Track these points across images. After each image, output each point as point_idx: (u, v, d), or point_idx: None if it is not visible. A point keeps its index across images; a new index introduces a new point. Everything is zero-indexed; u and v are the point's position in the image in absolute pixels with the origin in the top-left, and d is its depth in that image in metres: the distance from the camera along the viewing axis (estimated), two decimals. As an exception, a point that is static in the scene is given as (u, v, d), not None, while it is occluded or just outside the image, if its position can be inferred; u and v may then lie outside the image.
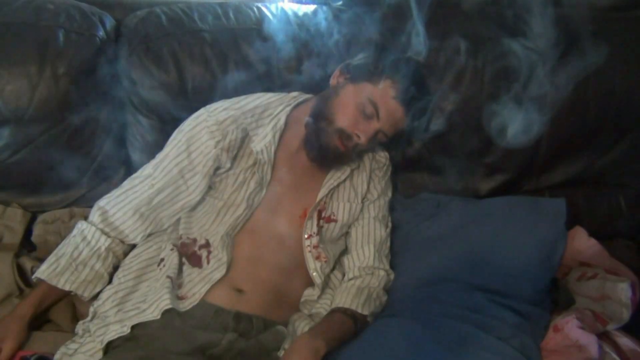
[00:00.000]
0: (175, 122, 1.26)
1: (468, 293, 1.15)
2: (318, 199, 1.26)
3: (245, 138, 1.23)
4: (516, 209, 1.34)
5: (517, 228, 1.28)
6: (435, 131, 1.36)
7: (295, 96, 1.31)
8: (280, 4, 1.45)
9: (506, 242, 1.25)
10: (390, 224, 1.35)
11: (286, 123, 1.26)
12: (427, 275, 1.23)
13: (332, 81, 1.27)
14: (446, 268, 1.23)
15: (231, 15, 1.37)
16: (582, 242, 1.41)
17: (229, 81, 1.31)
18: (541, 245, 1.26)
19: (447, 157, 1.42)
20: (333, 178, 1.28)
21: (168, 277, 1.15)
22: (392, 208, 1.39)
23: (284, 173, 1.26)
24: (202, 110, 1.25)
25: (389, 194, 1.38)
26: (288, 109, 1.27)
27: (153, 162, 1.24)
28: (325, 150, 1.22)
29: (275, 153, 1.23)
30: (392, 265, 1.31)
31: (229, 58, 1.33)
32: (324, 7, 1.40)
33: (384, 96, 1.19)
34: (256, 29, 1.35)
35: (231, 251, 1.18)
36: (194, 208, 1.25)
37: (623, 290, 1.27)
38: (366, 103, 1.19)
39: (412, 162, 1.44)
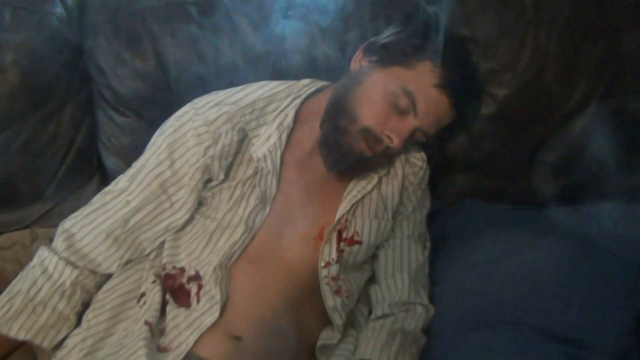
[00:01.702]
0: (158, 121, 0.99)
1: (537, 344, 0.87)
2: (338, 217, 0.99)
3: (243, 141, 0.96)
4: (596, 221, 1.05)
5: (596, 249, 0.99)
6: (485, 121, 1.08)
7: (306, 85, 1.03)
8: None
9: (583, 269, 0.97)
10: (428, 244, 1.08)
11: (295, 120, 0.98)
12: (477, 314, 0.96)
13: (354, 65, 0.99)
14: (503, 305, 0.95)
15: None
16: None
17: (223, 67, 1.03)
18: (628, 271, 0.98)
19: (498, 154, 1.13)
20: (356, 189, 1.01)
21: (146, 323, 0.90)
22: (429, 221, 1.11)
23: (294, 184, 0.99)
24: (187, 107, 0.98)
25: (427, 205, 1.10)
26: (298, 101, 1.00)
27: (129, 172, 0.98)
28: (346, 157, 0.94)
29: (281, 159, 0.97)
30: (431, 297, 1.04)
31: (222, 37, 1.04)
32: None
33: (423, 84, 0.91)
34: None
35: (227, 287, 0.92)
36: (181, 229, 0.99)
37: None
38: (399, 93, 0.91)
39: (454, 161, 1.15)
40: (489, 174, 1.17)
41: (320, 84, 1.05)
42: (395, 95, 0.91)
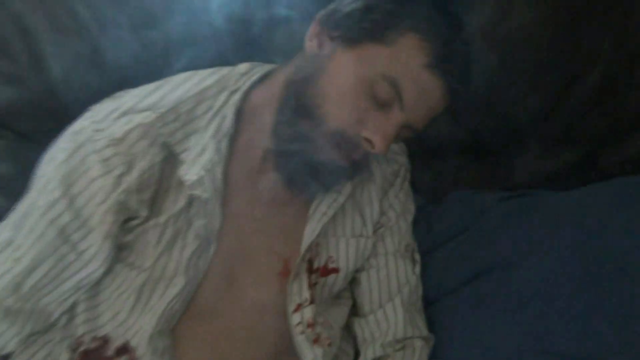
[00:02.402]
0: (44, 140, 0.71)
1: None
2: (305, 243, 0.76)
3: (167, 160, 0.70)
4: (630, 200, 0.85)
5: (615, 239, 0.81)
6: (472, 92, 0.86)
7: (245, 72, 0.76)
8: None
9: (609, 270, 0.79)
10: (417, 256, 0.87)
11: (237, 121, 0.73)
12: (492, 343, 0.77)
13: (310, 44, 0.72)
14: (521, 331, 0.77)
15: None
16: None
17: (126, 59, 0.74)
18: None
19: (487, 131, 0.92)
20: (325, 203, 0.77)
21: None
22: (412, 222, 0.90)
23: (244, 208, 0.74)
24: (83, 120, 0.70)
25: (412, 209, 0.88)
26: (237, 96, 0.74)
27: (12, 218, 0.70)
28: (311, 171, 0.70)
29: (224, 177, 0.72)
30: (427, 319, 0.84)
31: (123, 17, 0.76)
32: None
33: (409, 65, 0.66)
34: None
35: None
36: (98, 282, 0.73)
37: None
38: (378, 81, 0.67)
39: (435, 145, 0.93)
40: (477, 158, 0.96)
41: (264, 68, 0.78)
42: (372, 83, 0.67)
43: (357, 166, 0.72)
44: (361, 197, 0.81)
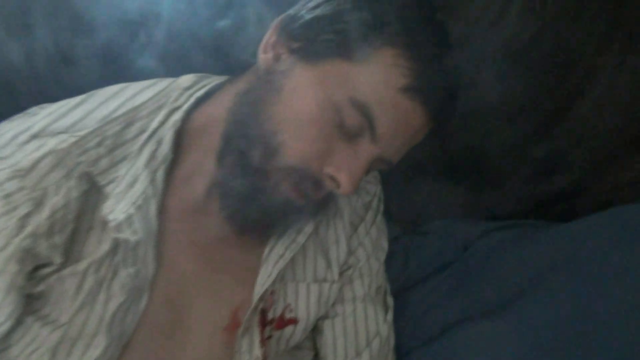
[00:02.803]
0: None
1: None
2: (258, 291, 0.64)
3: (89, 195, 0.57)
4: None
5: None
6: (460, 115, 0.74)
7: (189, 86, 0.63)
8: None
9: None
10: (390, 300, 0.75)
11: (177, 146, 0.61)
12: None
13: (264, 57, 0.60)
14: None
15: None
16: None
17: (38, 65, 0.61)
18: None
19: (471, 154, 0.81)
20: (282, 244, 0.65)
21: None
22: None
23: (184, 250, 0.62)
24: None
25: (385, 245, 0.76)
26: (178, 116, 0.61)
27: None
28: (264, 212, 0.58)
29: (159, 213, 0.59)
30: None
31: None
32: None
33: (383, 87, 0.54)
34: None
35: None
36: (8, 336, 0.60)
37: None
38: (345, 107, 0.55)
39: (415, 169, 0.82)
40: (459, 183, 0.85)
41: (212, 80, 0.65)
42: (338, 109, 0.54)
43: (320, 205, 0.60)
44: (326, 235, 0.69)
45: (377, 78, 0.54)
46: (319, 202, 0.59)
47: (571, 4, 0.69)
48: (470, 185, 0.85)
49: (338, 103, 0.54)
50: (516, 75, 0.73)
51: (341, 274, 0.70)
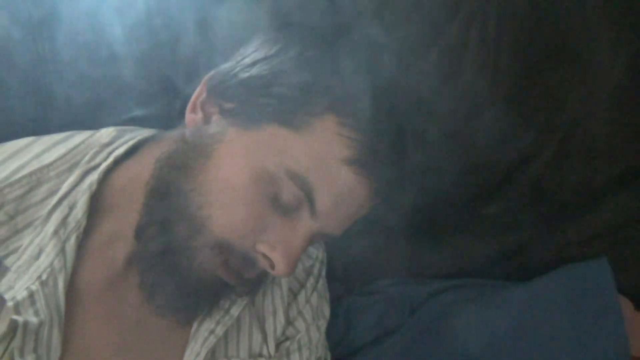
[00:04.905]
0: None
1: None
2: (184, 375, 0.57)
3: (-18, 269, 0.50)
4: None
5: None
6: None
7: (108, 142, 0.56)
8: None
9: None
10: (331, 372, 0.70)
11: (92, 211, 0.53)
12: None
13: (191, 117, 0.54)
14: None
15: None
16: (629, 323, 0.87)
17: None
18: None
19: (422, 212, 0.77)
20: (213, 319, 0.59)
21: None
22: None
23: (97, 330, 0.54)
24: None
25: (326, 312, 0.70)
26: (94, 177, 0.54)
27: None
28: (188, 292, 0.52)
29: (66, 290, 0.52)
30: None
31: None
32: None
33: (325, 158, 0.49)
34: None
35: None
36: None
37: None
38: (282, 178, 0.49)
39: (360, 227, 0.76)
40: (406, 241, 0.80)
41: (136, 134, 0.59)
42: (274, 181, 0.49)
43: (253, 284, 0.54)
44: (262, 304, 0.63)
45: (317, 148, 0.48)
46: (253, 281, 0.53)
47: (526, 64, 0.66)
48: (418, 242, 0.80)
49: (274, 174, 0.49)
50: (467, 134, 0.70)
51: (277, 345, 0.64)
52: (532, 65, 0.67)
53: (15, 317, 0.49)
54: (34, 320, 0.49)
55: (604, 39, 0.69)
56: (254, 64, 0.51)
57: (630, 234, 0.85)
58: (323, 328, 0.69)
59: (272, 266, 0.50)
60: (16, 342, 0.49)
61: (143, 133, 0.59)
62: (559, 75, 0.71)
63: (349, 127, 0.49)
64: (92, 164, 0.54)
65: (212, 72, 0.53)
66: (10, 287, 0.50)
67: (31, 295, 0.49)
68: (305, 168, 0.48)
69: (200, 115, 0.52)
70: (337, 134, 0.49)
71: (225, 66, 0.53)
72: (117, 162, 0.55)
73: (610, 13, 0.68)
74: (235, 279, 0.51)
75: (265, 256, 0.50)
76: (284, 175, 0.48)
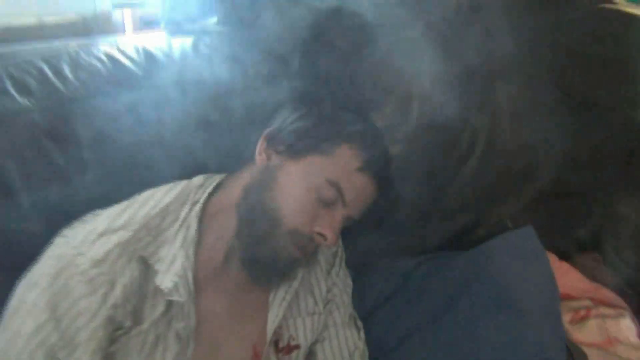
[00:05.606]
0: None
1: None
2: (271, 328, 0.86)
3: (145, 271, 0.78)
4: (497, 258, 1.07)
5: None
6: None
7: (201, 184, 0.88)
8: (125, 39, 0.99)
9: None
10: (359, 323, 1.00)
11: (199, 229, 0.83)
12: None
13: (259, 158, 0.86)
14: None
15: (67, 72, 0.88)
16: (557, 270, 1.20)
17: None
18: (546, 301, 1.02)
19: (401, 208, 1.10)
20: (283, 289, 0.89)
21: None
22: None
23: (212, 305, 0.84)
24: (60, 246, 0.77)
25: (350, 282, 1.02)
26: (198, 207, 0.84)
27: None
28: (276, 266, 0.82)
29: (193, 280, 0.81)
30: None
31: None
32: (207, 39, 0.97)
33: (346, 170, 0.83)
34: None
35: None
36: None
37: (630, 329, 1.09)
38: (323, 186, 0.82)
39: (358, 225, 1.09)
40: (391, 231, 1.13)
41: (215, 179, 0.90)
42: (319, 188, 0.81)
43: (310, 256, 0.85)
44: (310, 279, 0.94)
45: (341, 164, 0.82)
46: (310, 254, 0.85)
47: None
48: (401, 230, 1.13)
49: (319, 184, 0.81)
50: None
51: (324, 306, 0.95)
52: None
53: (169, 298, 0.78)
54: (179, 299, 0.78)
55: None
56: (295, 121, 0.84)
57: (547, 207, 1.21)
58: (350, 293, 1.00)
59: (325, 239, 0.82)
60: (170, 314, 0.78)
61: (216, 177, 0.90)
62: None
63: (357, 149, 0.82)
64: (195, 199, 0.85)
65: (267, 130, 0.86)
66: (162, 282, 0.78)
67: (175, 285, 0.78)
68: (336, 176, 0.81)
69: (264, 156, 0.85)
70: (351, 155, 0.82)
71: (275, 126, 0.86)
72: (209, 196, 0.86)
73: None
74: (301, 253, 0.82)
75: (319, 234, 0.81)
76: (325, 183, 0.81)
